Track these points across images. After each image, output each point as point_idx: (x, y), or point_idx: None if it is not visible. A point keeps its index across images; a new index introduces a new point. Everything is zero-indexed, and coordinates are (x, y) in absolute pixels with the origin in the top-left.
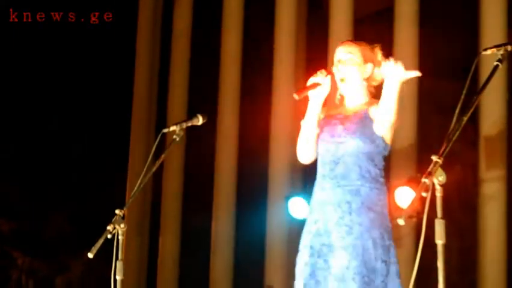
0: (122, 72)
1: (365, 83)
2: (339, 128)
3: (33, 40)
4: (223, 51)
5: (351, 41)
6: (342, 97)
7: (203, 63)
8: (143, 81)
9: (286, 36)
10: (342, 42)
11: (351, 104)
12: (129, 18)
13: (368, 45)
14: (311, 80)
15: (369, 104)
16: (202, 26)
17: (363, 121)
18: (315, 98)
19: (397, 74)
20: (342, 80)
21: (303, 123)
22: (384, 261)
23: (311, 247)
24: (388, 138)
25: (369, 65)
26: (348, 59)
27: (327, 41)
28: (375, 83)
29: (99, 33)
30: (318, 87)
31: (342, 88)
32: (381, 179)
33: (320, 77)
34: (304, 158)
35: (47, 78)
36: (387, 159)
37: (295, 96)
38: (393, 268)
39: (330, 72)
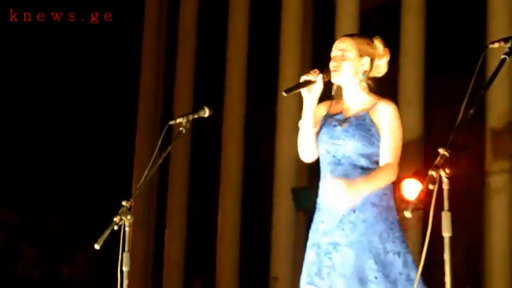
0: (128, 65)
1: (361, 77)
2: (338, 130)
3: (33, 40)
4: (230, 44)
5: (346, 35)
6: (339, 89)
7: (209, 55)
8: (150, 74)
9: (293, 29)
10: (339, 37)
11: (350, 101)
12: (133, 13)
13: (366, 38)
14: (303, 78)
15: (371, 103)
16: (208, 19)
17: (363, 123)
18: (308, 96)
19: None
20: (333, 72)
21: (300, 123)
22: (397, 253)
23: (318, 246)
24: None
25: (366, 59)
26: (340, 55)
27: (333, 33)
28: (379, 75)
29: (102, 30)
30: (311, 85)
31: (333, 77)
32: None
33: (311, 75)
34: (306, 157)
35: (47, 78)
36: None
37: (283, 93)
38: (409, 258)
39: (322, 71)
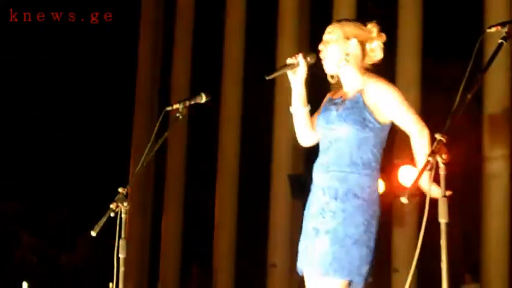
0: (125, 50)
1: (350, 59)
2: (333, 114)
3: (33, 40)
4: (227, 29)
5: (336, 21)
6: (337, 78)
7: (206, 41)
8: (147, 60)
9: (290, 15)
10: None
11: (347, 84)
12: (132, 12)
13: (356, 22)
14: (287, 61)
15: (363, 84)
16: (206, 5)
17: (355, 106)
18: (293, 78)
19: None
20: (322, 61)
21: (290, 108)
22: (370, 248)
23: (305, 230)
24: (386, 119)
25: (353, 41)
26: (326, 39)
27: (331, 17)
28: (374, 59)
29: (102, 30)
30: (295, 68)
31: (324, 67)
32: (374, 164)
33: (293, 58)
34: (304, 140)
35: (47, 77)
36: (391, 138)
37: (266, 77)
38: (370, 256)
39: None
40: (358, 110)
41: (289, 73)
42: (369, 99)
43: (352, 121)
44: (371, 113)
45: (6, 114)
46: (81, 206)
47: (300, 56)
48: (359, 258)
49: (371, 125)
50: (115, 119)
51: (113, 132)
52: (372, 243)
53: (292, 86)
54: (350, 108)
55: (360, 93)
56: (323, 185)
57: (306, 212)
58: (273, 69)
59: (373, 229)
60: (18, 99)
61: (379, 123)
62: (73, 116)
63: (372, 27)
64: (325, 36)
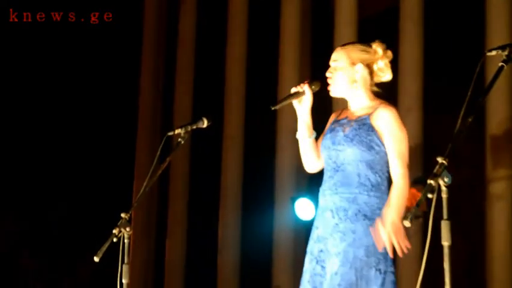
0: (126, 73)
1: (358, 84)
2: (340, 136)
3: (33, 40)
4: (228, 54)
5: (340, 46)
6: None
7: (208, 66)
8: (149, 84)
9: (292, 37)
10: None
11: (355, 108)
12: (131, 18)
13: (360, 45)
14: (292, 90)
15: (373, 108)
16: (207, 28)
17: (362, 128)
18: (299, 107)
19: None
20: (329, 86)
21: (297, 135)
22: (379, 270)
23: (311, 253)
24: None
25: (359, 66)
26: (332, 67)
27: (332, 42)
28: (384, 79)
29: (100, 33)
30: (300, 96)
31: (331, 91)
32: (383, 187)
33: (299, 87)
34: (309, 167)
35: (48, 78)
36: None
37: (272, 108)
38: (390, 278)
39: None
40: (365, 132)
41: (295, 102)
42: (377, 124)
43: (359, 143)
44: (378, 136)
45: (6, 115)
46: (83, 230)
47: (305, 86)
48: (368, 280)
49: (377, 148)
50: (117, 140)
51: (115, 156)
52: (384, 266)
53: (298, 114)
54: (357, 130)
55: (369, 116)
56: (331, 207)
57: (312, 235)
58: (280, 100)
59: (384, 251)
60: (17, 101)
61: (385, 147)
62: (72, 129)
63: (377, 47)
64: (331, 64)
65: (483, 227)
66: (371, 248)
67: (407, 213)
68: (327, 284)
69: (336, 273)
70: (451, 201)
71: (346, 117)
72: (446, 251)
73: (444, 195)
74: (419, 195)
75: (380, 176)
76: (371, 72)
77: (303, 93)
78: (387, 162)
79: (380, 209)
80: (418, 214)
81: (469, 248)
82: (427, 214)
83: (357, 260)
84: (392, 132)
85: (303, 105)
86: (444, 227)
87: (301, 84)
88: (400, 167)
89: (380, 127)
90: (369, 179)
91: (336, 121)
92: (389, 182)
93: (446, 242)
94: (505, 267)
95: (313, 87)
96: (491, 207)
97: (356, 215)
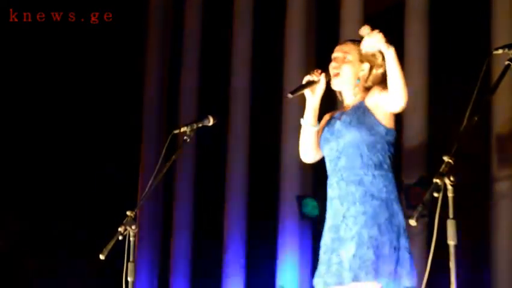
0: (129, 72)
1: (359, 82)
2: (337, 124)
3: (33, 40)
4: (234, 52)
5: (350, 40)
6: (341, 95)
7: (214, 64)
8: (154, 82)
9: (297, 34)
10: (342, 41)
11: (349, 101)
12: (132, 18)
13: None
14: (306, 78)
15: (364, 96)
16: (212, 25)
17: (358, 110)
18: (311, 97)
19: (377, 41)
20: (335, 76)
21: (302, 121)
22: (394, 247)
23: (325, 244)
24: (390, 123)
25: (366, 65)
26: (342, 57)
27: (337, 39)
28: (369, 83)
29: (100, 33)
30: (314, 85)
31: (334, 83)
32: (386, 166)
33: (314, 75)
34: (306, 156)
35: (48, 78)
36: (398, 158)
37: (289, 95)
38: (405, 255)
39: (324, 71)
40: (361, 113)
41: (307, 91)
42: (370, 103)
43: (357, 124)
44: (374, 116)
45: (6, 114)
46: (89, 228)
47: (322, 75)
48: (387, 258)
49: (376, 128)
50: (122, 137)
51: (121, 153)
52: (397, 242)
53: (309, 103)
54: (353, 114)
55: (363, 101)
56: (339, 195)
57: (325, 228)
58: (295, 88)
59: (396, 228)
60: (17, 102)
61: (384, 127)
62: (75, 128)
63: (379, 55)
64: (341, 54)
65: (487, 226)
66: (383, 226)
67: (413, 212)
68: (348, 269)
69: (354, 256)
70: (456, 200)
71: (340, 112)
72: (451, 250)
73: (450, 194)
74: (424, 193)
75: (382, 155)
76: (369, 75)
77: (318, 81)
78: (388, 141)
79: (386, 186)
80: (424, 213)
81: (473, 246)
82: (433, 213)
83: (373, 239)
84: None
85: (315, 94)
86: (450, 226)
87: (315, 73)
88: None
89: (372, 102)
90: (371, 158)
91: (331, 117)
92: (391, 160)
93: (452, 241)
94: (510, 266)
95: (327, 75)
96: (496, 205)
97: (363, 196)
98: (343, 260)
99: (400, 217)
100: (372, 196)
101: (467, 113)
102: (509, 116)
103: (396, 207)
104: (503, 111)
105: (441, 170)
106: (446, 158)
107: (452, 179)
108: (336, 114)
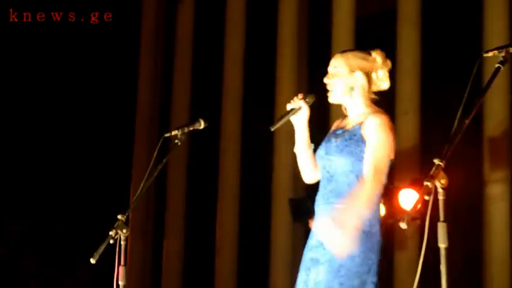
0: (124, 74)
1: (357, 92)
2: (333, 146)
3: (33, 40)
4: (226, 55)
5: (339, 52)
6: (343, 107)
7: (206, 66)
8: (147, 85)
9: (289, 38)
10: (333, 55)
11: (351, 116)
12: (130, 18)
13: (360, 53)
14: (288, 107)
15: (366, 116)
16: (205, 29)
17: (353, 139)
18: (297, 121)
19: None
20: (328, 92)
21: (294, 149)
22: (363, 281)
23: (303, 261)
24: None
25: (358, 74)
26: (332, 73)
27: (330, 43)
28: (382, 88)
29: (99, 34)
30: (297, 112)
31: (330, 98)
32: (375, 198)
33: (295, 102)
34: (307, 178)
35: (47, 78)
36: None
37: (271, 128)
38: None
39: (306, 96)
40: (355, 143)
41: (292, 117)
42: (365, 132)
43: (349, 153)
44: (366, 145)
45: (5, 115)
46: (82, 230)
47: (301, 101)
48: None
49: None
50: (114, 141)
51: (113, 157)
52: (367, 277)
53: (296, 128)
54: (347, 140)
55: (360, 125)
56: (323, 216)
57: (307, 243)
58: (277, 119)
59: (370, 262)
60: (17, 102)
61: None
62: (69, 130)
63: (377, 56)
64: (330, 70)
65: (481, 229)
66: (357, 258)
67: (404, 215)
68: None
69: (321, 282)
70: (449, 203)
71: (342, 128)
72: (442, 253)
73: (441, 197)
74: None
75: None
76: (369, 80)
77: (299, 108)
78: None
79: (370, 220)
80: (415, 216)
81: (467, 249)
82: (424, 216)
83: (342, 268)
84: (373, 140)
85: (300, 119)
86: (441, 229)
87: (296, 99)
88: (368, 170)
89: (367, 136)
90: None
91: (333, 131)
92: (380, 191)
93: (442, 244)
94: (503, 269)
95: (307, 100)
96: (488, 208)
97: (344, 225)
98: (309, 280)
99: (378, 253)
100: (355, 226)
101: (458, 116)
102: (500, 118)
103: (375, 242)
104: (495, 113)
105: (432, 173)
106: (436, 161)
107: (443, 181)
108: (339, 130)
